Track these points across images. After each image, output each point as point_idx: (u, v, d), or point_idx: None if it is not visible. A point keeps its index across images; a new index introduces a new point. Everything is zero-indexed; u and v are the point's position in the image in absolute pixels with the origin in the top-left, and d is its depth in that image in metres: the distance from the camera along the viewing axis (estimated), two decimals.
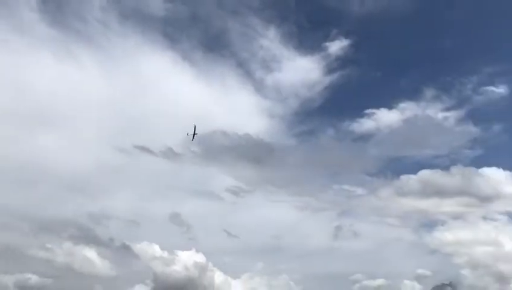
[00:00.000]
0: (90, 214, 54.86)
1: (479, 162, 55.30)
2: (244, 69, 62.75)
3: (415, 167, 57.39)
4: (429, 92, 56.27)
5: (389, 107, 58.51)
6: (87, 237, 52.75)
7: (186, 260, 52.38)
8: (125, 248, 51.83)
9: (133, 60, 59.91)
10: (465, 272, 52.93)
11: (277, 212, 57.72)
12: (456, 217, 53.31)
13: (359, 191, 56.90)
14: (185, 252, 52.82)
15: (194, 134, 45.13)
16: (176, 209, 56.19)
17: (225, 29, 62.15)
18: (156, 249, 52.36)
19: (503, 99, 53.32)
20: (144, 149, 55.86)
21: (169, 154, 56.83)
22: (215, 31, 63.02)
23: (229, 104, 62.72)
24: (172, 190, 56.96)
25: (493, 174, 52.60)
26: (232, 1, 61.10)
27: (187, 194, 57.20)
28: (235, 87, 62.68)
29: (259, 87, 62.47)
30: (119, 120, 57.53)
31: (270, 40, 61.70)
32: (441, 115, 56.07)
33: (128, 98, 59.03)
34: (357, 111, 60.71)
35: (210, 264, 52.03)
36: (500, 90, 53.06)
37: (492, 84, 53.67)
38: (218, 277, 53.12)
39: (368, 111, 58.91)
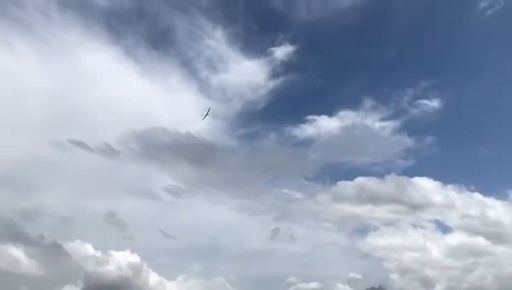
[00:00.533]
0: (20, 210, 53.32)
1: (412, 172, 57.84)
2: (189, 68, 62.37)
3: (351, 173, 59.02)
4: (368, 102, 57.98)
5: (330, 114, 60.01)
6: (15, 234, 51.28)
7: (120, 260, 51.74)
8: (56, 247, 50.67)
9: (74, 51, 58.18)
10: (394, 276, 55.48)
11: (216, 213, 58.15)
12: (388, 223, 55.58)
13: (298, 195, 58.23)
14: (119, 252, 52.13)
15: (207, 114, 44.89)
16: (112, 208, 55.49)
17: (172, 26, 61.46)
18: (88, 249, 51.51)
19: (436, 113, 55.74)
20: (80, 144, 54.62)
21: (107, 150, 55.85)
22: (161, 28, 62.24)
23: (171, 102, 62.20)
24: (109, 187, 56.10)
25: (424, 184, 55.33)
26: None
27: (124, 193, 56.51)
28: (178, 86, 62.22)
29: (203, 86, 62.34)
30: (55, 113, 55.80)
31: (216, 41, 61.59)
32: (378, 125, 57.95)
33: (66, 91, 57.28)
34: (299, 117, 61.78)
35: (145, 265, 51.80)
36: (434, 104, 55.44)
37: (427, 98, 56.02)
38: (153, 278, 52.98)
39: (309, 117, 60.06)
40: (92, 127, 56.44)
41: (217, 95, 62.37)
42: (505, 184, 54.64)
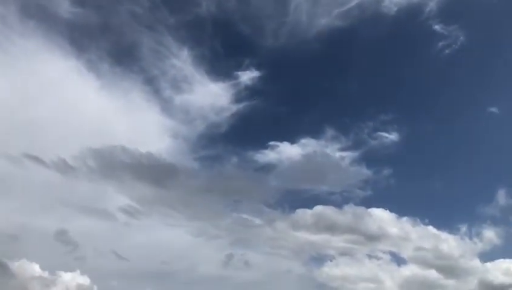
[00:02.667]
0: None
1: (369, 203, 59.44)
2: (152, 86, 62.14)
3: (310, 201, 60.16)
4: (329, 132, 59.79)
5: (292, 141, 61.14)
6: None
7: (69, 281, 50.08)
8: (0, 266, 48.78)
9: (31, 62, 56.89)
10: None
11: (171, 236, 57.59)
12: (344, 253, 56.86)
13: (257, 221, 58.60)
14: (68, 273, 50.52)
15: None
16: (64, 226, 53.63)
17: (137, 43, 61.31)
18: (35, 269, 49.51)
19: (394, 145, 58.18)
20: (34, 159, 52.86)
21: (62, 166, 54.54)
22: (126, 44, 61.95)
23: (132, 120, 61.87)
24: (62, 205, 54.31)
25: (380, 215, 57.07)
26: (147, 16, 60.44)
27: (77, 211, 54.86)
28: (140, 104, 61.92)
29: (166, 106, 62.23)
30: (9, 125, 54.31)
31: (182, 61, 61.88)
32: (338, 154, 59.69)
33: (21, 102, 55.71)
34: (261, 142, 62.48)
35: (95, 287, 50.60)
36: (392, 136, 57.78)
37: (386, 130, 58.29)
38: None
39: (271, 143, 60.98)
40: (49, 142, 55.05)
41: (180, 116, 62.45)
42: (457, 219, 57.41)
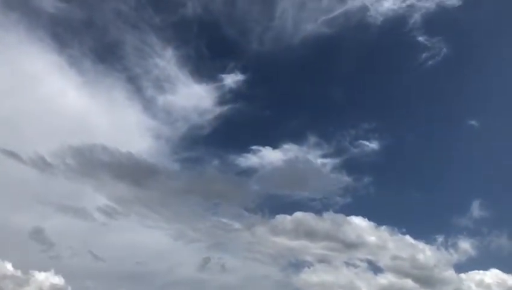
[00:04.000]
0: None
1: (348, 210, 60.37)
2: (135, 85, 61.98)
3: (291, 207, 60.73)
4: (312, 138, 60.53)
5: (274, 146, 61.66)
6: None
7: (42, 281, 49.81)
8: None
9: (12, 55, 56.27)
10: None
11: (149, 238, 57.52)
12: (322, 260, 57.57)
13: (236, 225, 58.89)
14: (42, 272, 50.26)
15: None
16: (39, 224, 53.24)
17: (121, 41, 61.08)
18: (8, 268, 49.03)
19: (374, 154, 59.24)
20: (11, 154, 52.41)
21: (40, 163, 54.16)
22: (109, 42, 61.66)
23: (114, 118, 61.61)
24: (38, 202, 53.82)
25: (359, 223, 58.02)
26: (132, 14, 60.36)
27: (54, 209, 54.43)
28: (122, 102, 61.78)
29: (148, 106, 62.15)
30: None
31: (166, 61, 61.89)
32: (319, 161, 60.46)
33: (1, 96, 55.62)
34: (243, 145, 62.83)
35: (69, 288, 50.35)
36: (373, 145, 58.87)
37: (367, 139, 59.34)
38: None
39: (253, 147, 61.44)
40: (27, 137, 54.53)
41: (162, 116, 62.40)
42: (434, 229, 58.71)
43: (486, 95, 61.78)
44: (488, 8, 61.25)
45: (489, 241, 55.93)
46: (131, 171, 56.35)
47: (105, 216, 55.58)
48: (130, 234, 57.48)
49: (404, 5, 61.14)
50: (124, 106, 61.23)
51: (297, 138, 62.66)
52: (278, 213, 59.23)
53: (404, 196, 60.87)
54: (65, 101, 58.92)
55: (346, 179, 60.99)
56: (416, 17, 60.97)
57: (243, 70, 62.25)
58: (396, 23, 61.51)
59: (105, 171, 56.01)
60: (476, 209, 56.99)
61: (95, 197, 56.19)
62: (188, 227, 58.01)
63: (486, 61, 62.95)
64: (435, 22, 61.57)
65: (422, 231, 57.66)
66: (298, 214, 58.79)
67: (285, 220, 58.61)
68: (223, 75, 62.45)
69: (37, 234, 52.64)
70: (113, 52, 61.86)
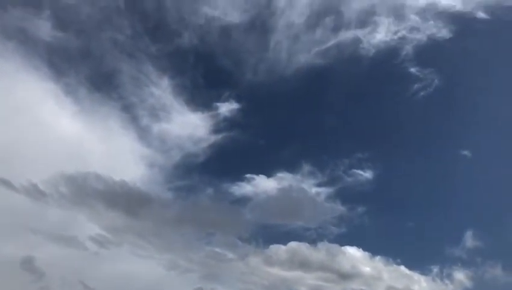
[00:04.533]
0: None
1: (343, 240, 60.17)
2: (130, 113, 62.53)
3: (285, 237, 60.57)
4: (306, 167, 60.90)
5: (268, 175, 61.92)
6: None
7: None
8: None
9: (8, 83, 56.85)
10: None
11: (142, 268, 56.92)
12: None
13: (230, 255, 58.57)
14: None
15: None
16: (30, 254, 52.65)
17: (117, 70, 61.91)
18: None
19: (368, 183, 59.61)
20: (3, 182, 52.53)
21: (33, 191, 54.04)
22: (105, 70, 62.49)
23: (108, 147, 61.75)
24: (30, 231, 53.37)
25: (353, 253, 57.89)
26: (129, 43, 61.43)
27: (46, 238, 54.00)
28: (117, 131, 62.14)
29: (143, 134, 62.54)
30: None
31: (162, 90, 62.69)
32: (314, 190, 60.69)
33: None
34: (238, 174, 63.04)
35: None
36: (367, 174, 59.31)
37: (361, 168, 59.79)
38: None
39: (247, 175, 61.66)
40: (20, 165, 54.36)
41: (157, 144, 62.75)
42: (429, 260, 58.56)
43: (479, 126, 62.71)
44: (478, 40, 62.87)
45: (483, 272, 55.85)
46: (124, 200, 56.33)
47: (98, 245, 55.31)
48: (122, 263, 56.94)
49: (395, 37, 62.77)
50: (118, 134, 61.55)
51: (291, 166, 63.01)
52: (272, 243, 59.10)
53: (399, 226, 60.95)
54: (60, 129, 59.18)
55: (340, 208, 61.13)
56: (408, 49, 62.52)
57: (238, 100, 63.11)
58: (389, 54, 62.92)
59: (99, 200, 55.97)
60: (469, 240, 57.16)
61: (88, 226, 55.96)
62: (181, 257, 57.67)
63: (477, 92, 64.16)
64: (426, 53, 63.14)
65: (417, 262, 57.53)
66: (292, 244, 58.70)
67: (279, 250, 58.44)
68: (218, 104, 63.25)
69: (28, 264, 52.05)
70: (109, 81, 62.63)
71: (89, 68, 61.51)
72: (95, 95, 61.06)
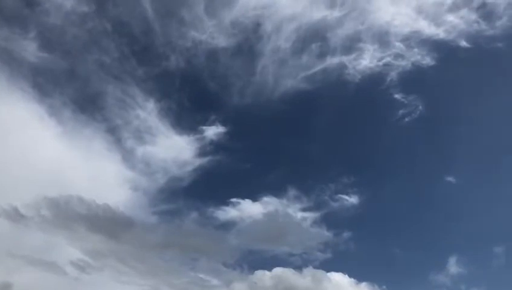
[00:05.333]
0: None
1: (328, 266, 59.93)
2: (114, 136, 62.27)
3: (270, 262, 60.17)
4: (292, 191, 61.05)
5: (254, 199, 61.83)
6: None
7: None
8: None
9: None
10: None
11: None
12: None
13: (214, 281, 57.86)
14: None
15: None
16: (8, 279, 51.75)
17: (102, 92, 61.87)
18: None
19: (354, 208, 59.88)
20: None
21: (14, 214, 53.12)
22: (90, 92, 62.40)
23: (92, 169, 61.21)
24: (9, 255, 52.27)
25: (339, 280, 57.64)
26: (115, 65, 61.58)
27: (25, 263, 52.86)
28: (101, 153, 61.73)
29: (127, 157, 62.19)
30: None
31: (147, 112, 62.69)
32: (299, 215, 60.74)
33: None
34: (223, 198, 62.80)
35: None
36: (352, 199, 59.62)
37: (347, 193, 60.12)
38: None
39: (233, 200, 61.50)
40: (1, 188, 54.09)
41: (141, 167, 62.37)
42: (414, 286, 58.53)
43: (463, 153, 63.66)
44: (460, 68, 64.61)
45: None
46: (107, 224, 55.72)
47: (78, 270, 54.51)
48: (103, 289, 55.95)
49: (380, 63, 64.08)
50: (102, 156, 61.21)
51: (277, 191, 63.10)
52: (257, 269, 58.67)
53: (384, 252, 61.14)
54: (43, 151, 58.74)
55: (326, 233, 61.19)
56: (393, 75, 63.78)
57: (224, 123, 63.39)
58: (374, 80, 64.14)
59: (81, 224, 55.32)
60: (453, 266, 57.47)
61: (68, 250, 55.14)
62: (164, 283, 56.89)
63: (461, 119, 65.60)
64: (410, 80, 64.54)
65: (403, 288, 57.59)
66: (278, 270, 58.34)
67: (264, 276, 58.01)
68: (204, 127, 63.43)
69: (5, 289, 50.80)
70: (94, 103, 62.51)
71: (74, 90, 61.46)
72: (80, 116, 60.87)
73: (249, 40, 65.24)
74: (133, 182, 61.48)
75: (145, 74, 63.14)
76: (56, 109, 59.68)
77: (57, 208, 55.04)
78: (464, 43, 62.47)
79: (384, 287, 57.31)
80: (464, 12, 62.74)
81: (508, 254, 57.65)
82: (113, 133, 62.04)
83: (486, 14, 62.26)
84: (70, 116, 60.49)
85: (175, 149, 63.95)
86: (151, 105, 63.26)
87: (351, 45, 65.00)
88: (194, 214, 62.14)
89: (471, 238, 60.68)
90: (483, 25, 62.07)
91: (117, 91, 62.32)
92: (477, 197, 62.65)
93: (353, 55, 64.60)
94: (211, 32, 63.95)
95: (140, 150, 62.86)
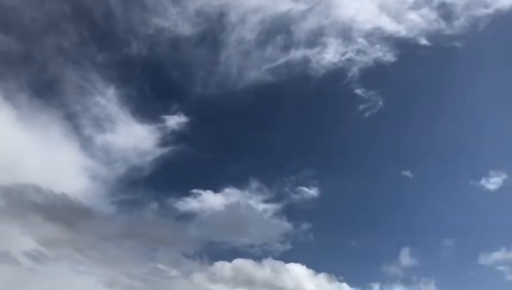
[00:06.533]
0: None
1: (288, 257, 61.21)
2: (72, 123, 60.83)
3: (230, 253, 60.91)
4: (254, 183, 61.76)
5: (215, 190, 62.16)
6: None
7: None
8: None
9: None
10: None
11: (81, 285, 55.02)
12: None
13: (173, 272, 58.04)
14: None
15: None
16: None
17: (60, 77, 60.20)
18: None
19: (314, 201, 61.29)
20: None
21: None
22: (48, 77, 60.58)
23: (49, 157, 59.59)
24: None
25: (298, 270, 59.04)
26: (74, 50, 60.02)
27: None
28: (58, 140, 60.20)
29: (86, 145, 60.96)
30: None
31: (107, 99, 61.54)
32: (261, 207, 61.59)
33: None
34: (184, 189, 62.75)
35: None
36: (313, 192, 60.95)
37: (307, 185, 61.38)
38: None
39: (194, 191, 61.60)
40: None
41: (100, 156, 61.27)
42: (370, 277, 60.77)
43: (418, 148, 66.14)
44: (420, 65, 66.95)
45: (418, 289, 58.61)
46: (64, 214, 54.77)
47: (32, 261, 53.32)
48: (60, 280, 55.03)
49: (343, 58, 65.49)
50: (60, 143, 59.81)
51: (239, 182, 63.64)
52: (218, 260, 59.25)
53: (342, 243, 62.96)
54: None
55: (286, 225, 62.36)
56: (355, 70, 65.41)
57: (186, 113, 63.15)
58: (336, 75, 65.62)
59: (37, 214, 54.08)
60: (405, 257, 59.92)
61: (23, 240, 53.73)
62: (122, 273, 56.62)
63: (418, 115, 68.06)
64: (371, 76, 66.31)
65: (359, 279, 59.55)
66: (238, 261, 59.11)
67: (224, 267, 58.70)
68: (166, 116, 62.99)
69: None
70: (51, 88, 60.82)
71: (30, 73, 59.52)
72: (36, 101, 59.10)
73: (213, 30, 65.24)
74: (91, 171, 60.56)
75: (106, 60, 61.97)
76: (11, 92, 57.68)
77: (11, 197, 53.52)
78: (423, 41, 64.72)
79: (341, 277, 59.19)
80: (425, 11, 65.02)
81: (456, 246, 60.98)
82: (71, 120, 60.70)
83: (446, 14, 64.79)
84: (26, 101, 58.64)
85: (135, 138, 63.27)
86: (111, 92, 62.22)
87: (315, 39, 66.14)
88: (154, 205, 61.90)
89: (423, 231, 63.62)
90: (443, 24, 64.56)
91: (76, 76, 60.91)
92: (430, 191, 65.58)
93: (317, 49, 65.77)
94: (174, 20, 63.50)
95: (100, 138, 61.84)
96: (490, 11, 63.12)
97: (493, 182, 61.07)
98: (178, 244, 60.21)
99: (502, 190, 60.64)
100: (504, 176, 60.90)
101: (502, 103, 65.26)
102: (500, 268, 56.97)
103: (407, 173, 63.90)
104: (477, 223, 62.13)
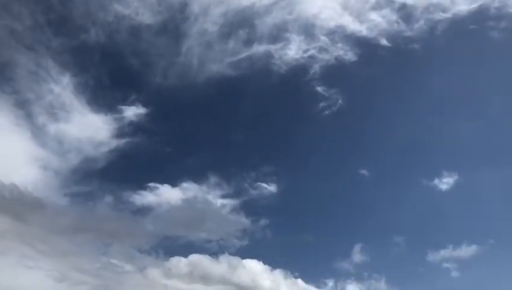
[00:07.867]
0: None
1: (244, 253, 61.55)
2: (24, 110, 58.63)
3: (187, 249, 60.62)
4: (212, 178, 61.67)
5: (173, 184, 61.60)
6: None
7: None
8: None
9: None
10: None
11: (29, 279, 53.35)
12: None
13: (127, 267, 57.26)
14: None
15: None
16: None
17: (12, 62, 57.78)
18: None
19: (272, 197, 61.88)
20: None
21: None
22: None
23: None
24: None
25: (254, 266, 59.55)
26: (28, 34, 57.74)
27: None
28: (8, 128, 57.85)
29: (38, 134, 58.93)
30: None
31: (62, 87, 59.68)
32: (219, 202, 61.59)
33: None
34: (140, 182, 61.77)
35: None
36: (271, 188, 61.52)
37: (266, 181, 61.89)
38: None
39: (151, 184, 60.83)
40: None
41: (53, 146, 59.35)
42: (325, 274, 62.03)
43: (376, 147, 67.88)
44: (379, 65, 68.48)
45: (369, 285, 60.29)
46: (14, 206, 52.97)
47: None
48: (5, 275, 53.16)
49: (306, 55, 66.19)
50: (10, 132, 57.61)
51: (197, 176, 63.35)
52: (173, 255, 58.93)
53: (298, 240, 63.81)
54: None
55: (244, 221, 62.68)
56: (316, 68, 66.24)
57: (145, 104, 62.22)
58: (298, 72, 66.31)
59: None
60: (357, 254, 61.51)
61: None
62: (73, 268, 55.36)
63: (376, 114, 69.75)
64: (332, 74, 67.33)
65: (313, 275, 60.63)
66: (194, 257, 59.01)
67: (180, 262, 58.46)
68: (123, 107, 61.85)
69: None
70: (2, 73, 58.43)
71: None
72: None
73: (175, 20, 64.40)
74: (43, 161, 58.71)
75: (61, 45, 60.07)
76: None
77: None
78: (384, 42, 66.23)
79: (296, 273, 60.16)
80: (386, 11, 66.48)
81: (406, 243, 63.05)
82: (23, 108, 58.55)
83: (406, 15, 66.53)
84: None
85: (90, 128, 61.77)
86: (66, 79, 60.42)
87: (278, 34, 66.51)
88: (108, 198, 60.70)
89: (375, 228, 65.45)
90: (403, 26, 66.27)
91: (29, 62, 58.73)
92: (384, 190, 67.52)
93: (279, 45, 66.17)
94: (135, 8, 62.30)
95: (53, 127, 59.98)
96: (448, 15, 65.28)
97: (445, 182, 63.45)
98: (133, 239, 59.47)
99: (453, 189, 63.05)
100: (456, 177, 63.33)
101: (457, 104, 67.88)
102: (447, 265, 59.24)
103: (364, 171, 65.44)
104: (428, 222, 64.43)
